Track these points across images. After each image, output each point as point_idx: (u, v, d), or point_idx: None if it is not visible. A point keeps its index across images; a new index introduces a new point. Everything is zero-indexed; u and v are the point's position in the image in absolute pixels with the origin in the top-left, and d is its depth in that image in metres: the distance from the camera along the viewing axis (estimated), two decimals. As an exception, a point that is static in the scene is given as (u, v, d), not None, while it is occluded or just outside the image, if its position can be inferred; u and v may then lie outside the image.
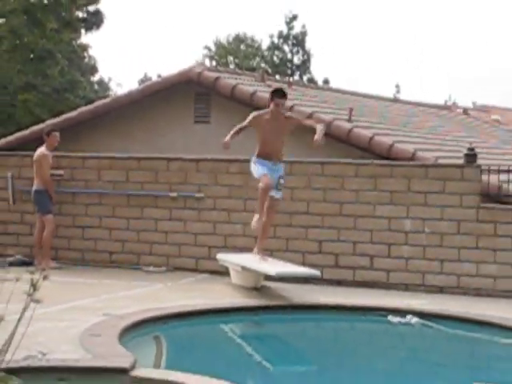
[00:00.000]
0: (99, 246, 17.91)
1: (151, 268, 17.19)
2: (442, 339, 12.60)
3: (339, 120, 19.34)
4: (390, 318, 12.73)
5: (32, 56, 34.05)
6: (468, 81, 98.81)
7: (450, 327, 12.54)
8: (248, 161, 15.93)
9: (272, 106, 13.87)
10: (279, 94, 14.15)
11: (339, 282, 15.62)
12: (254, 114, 14.11)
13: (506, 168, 16.63)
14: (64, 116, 22.84)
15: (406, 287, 15.44)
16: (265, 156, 13.90)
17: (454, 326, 12.57)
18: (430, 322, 12.58)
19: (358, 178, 16.07)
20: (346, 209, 16.11)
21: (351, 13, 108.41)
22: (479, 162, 16.15)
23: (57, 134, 17.64)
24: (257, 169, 13.96)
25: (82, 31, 37.44)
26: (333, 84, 40.91)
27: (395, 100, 33.48)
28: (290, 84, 25.46)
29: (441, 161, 17.59)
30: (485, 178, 15.78)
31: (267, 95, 19.02)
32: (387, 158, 17.56)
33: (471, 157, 15.73)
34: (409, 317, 12.70)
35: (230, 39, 58.56)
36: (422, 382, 10.45)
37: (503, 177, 16.43)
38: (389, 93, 41.27)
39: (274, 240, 16.11)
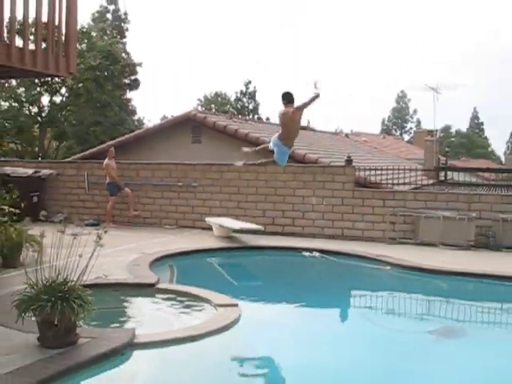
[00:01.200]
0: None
1: (167, 226, 17.84)
2: (333, 265, 12.90)
3: (263, 137, 19.76)
4: (304, 253, 13.55)
5: (98, 105, 34.14)
6: (348, 117, 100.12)
7: (337, 258, 13.28)
8: (222, 164, 17.56)
9: (289, 107, 11.10)
10: (290, 96, 11.24)
11: (275, 233, 16.53)
12: (284, 112, 11.23)
13: (368, 168, 18.06)
14: (117, 139, 23.10)
15: (314, 236, 16.42)
16: (288, 144, 11.57)
17: (339, 258, 13.32)
18: (326, 255, 13.35)
19: (285, 173, 17.11)
20: (279, 192, 17.16)
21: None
22: (354, 164, 17.33)
23: (112, 149, 18.10)
24: (277, 151, 11.59)
25: (128, 90, 38.00)
26: (272, 120, 41.46)
27: (307, 128, 34.38)
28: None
29: (332, 163, 18.54)
30: (357, 173, 17.17)
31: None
32: (302, 162, 18.53)
33: (349, 161, 17.04)
34: (314, 252, 13.58)
35: (212, 94, 60.28)
36: (323, 285, 11.10)
37: (367, 173, 17.91)
38: (304, 123, 42.36)
39: (237, 209, 17.36)
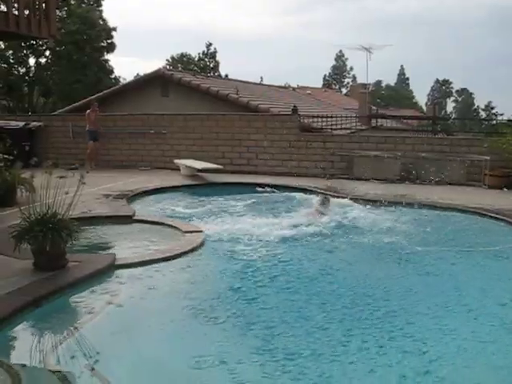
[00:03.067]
0: (117, 158, 18.33)
1: (142, 168, 17.79)
2: (279, 196, 12.76)
3: (232, 94, 19.97)
4: (258, 188, 13.50)
5: (79, 66, 33.10)
6: (295, 73, 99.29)
7: (282, 191, 13.31)
8: (187, 114, 17.51)
9: None
10: None
11: (233, 172, 16.56)
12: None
13: (312, 116, 18.32)
14: (97, 95, 22.33)
15: (265, 173, 16.54)
16: None
17: (283, 190, 13.39)
18: (275, 189, 13.34)
19: (241, 121, 17.22)
20: (236, 136, 17.24)
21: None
22: (300, 113, 17.43)
23: (95, 103, 18.03)
24: None
25: (105, 53, 36.79)
26: (230, 77, 40.40)
27: (261, 84, 34.04)
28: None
29: (281, 112, 18.60)
30: (302, 120, 17.30)
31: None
32: (255, 111, 18.60)
33: (295, 110, 17.11)
34: (267, 188, 13.51)
35: (179, 55, 59.01)
36: (267, 212, 10.72)
37: (311, 120, 18.06)
38: (257, 79, 41.83)
39: (201, 152, 17.30)
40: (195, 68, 51.07)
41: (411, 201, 11.76)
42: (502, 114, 59.57)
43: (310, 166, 16.57)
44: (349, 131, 19.72)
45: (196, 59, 59.11)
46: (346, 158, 16.16)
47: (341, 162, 16.27)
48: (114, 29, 36.30)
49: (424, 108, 71.22)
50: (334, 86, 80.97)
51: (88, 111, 17.64)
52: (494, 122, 23.07)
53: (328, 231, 9.26)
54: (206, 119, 17.54)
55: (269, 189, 13.35)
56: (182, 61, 58.51)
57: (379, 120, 26.65)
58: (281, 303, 6.05)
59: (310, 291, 6.49)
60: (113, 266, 6.90)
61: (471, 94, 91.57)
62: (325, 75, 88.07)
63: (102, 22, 35.85)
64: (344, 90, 78.90)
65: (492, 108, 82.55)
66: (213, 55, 59.15)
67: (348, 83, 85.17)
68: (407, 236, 9.00)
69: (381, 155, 15.67)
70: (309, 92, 37.02)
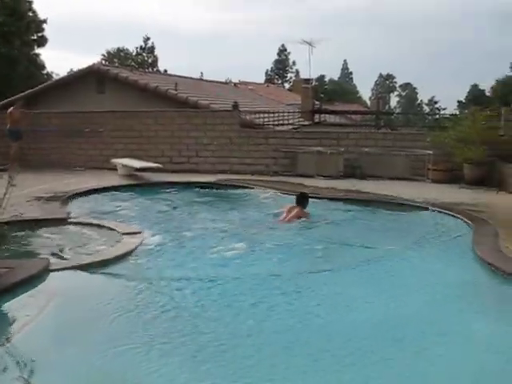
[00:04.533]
0: (49, 158, 17.86)
1: (77, 168, 17.40)
2: (217, 195, 12.96)
3: (171, 89, 19.99)
4: (197, 189, 13.82)
5: (7, 60, 32.01)
6: (237, 68, 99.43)
7: (223, 189, 13.72)
8: (124, 112, 17.43)
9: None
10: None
11: (173, 171, 16.43)
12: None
13: (253, 111, 18.54)
14: (27, 91, 21.79)
15: (207, 172, 16.45)
16: None
17: (225, 189, 13.77)
18: (214, 187, 13.87)
19: (181, 118, 17.27)
20: (175, 134, 17.27)
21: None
22: (241, 108, 17.67)
23: (19, 102, 17.50)
24: None
25: (35, 46, 35.76)
26: (170, 72, 39.81)
27: (201, 79, 33.92)
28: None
29: (221, 108, 18.70)
30: (243, 116, 17.58)
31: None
32: (195, 108, 18.61)
33: (235, 106, 17.26)
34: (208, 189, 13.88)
35: (115, 50, 57.97)
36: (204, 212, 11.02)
37: (252, 116, 18.32)
38: (197, 75, 41.59)
39: (139, 151, 17.18)
40: (133, 63, 50.46)
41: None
42: (444, 109, 61.30)
43: (253, 163, 16.69)
44: (292, 127, 19.90)
45: (134, 54, 58.44)
46: (290, 155, 16.34)
47: (284, 159, 16.43)
48: (45, 21, 35.43)
49: (368, 102, 72.61)
50: (276, 81, 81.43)
51: (10, 109, 16.98)
52: (437, 116, 23.72)
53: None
54: (145, 116, 17.50)
55: (209, 188, 13.59)
56: (118, 56, 57.72)
57: (322, 115, 27.01)
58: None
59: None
60: (47, 272, 6.79)
61: (415, 88, 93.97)
62: (267, 70, 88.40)
63: (31, 14, 34.93)
64: (287, 85, 79.45)
65: (435, 102, 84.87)
66: (151, 50, 58.64)
67: (291, 78, 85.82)
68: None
69: (324, 151, 15.90)
70: (251, 87, 37.23)
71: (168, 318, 5.69)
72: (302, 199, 10.70)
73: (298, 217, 10.20)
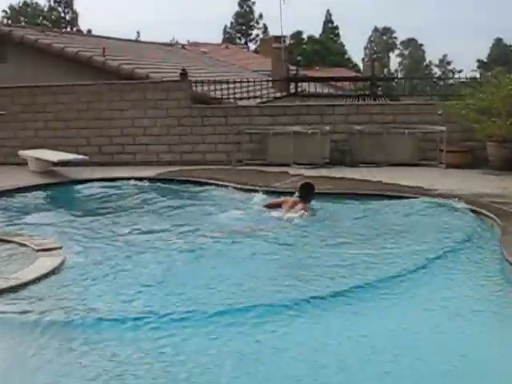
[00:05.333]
0: None
1: None
2: (162, 195, 13.10)
3: (96, 55, 19.91)
4: (133, 181, 14.03)
5: None
6: (183, 24, 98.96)
7: (169, 187, 13.79)
8: (35, 87, 17.36)
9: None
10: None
11: (103, 164, 16.50)
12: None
13: (208, 81, 18.25)
14: None
15: (148, 164, 16.55)
16: None
17: (166, 183, 13.98)
18: (157, 182, 14.03)
19: (111, 92, 17.24)
20: (104, 114, 17.22)
21: None
22: (191, 78, 17.74)
23: None
24: None
25: None
26: (95, 33, 39.79)
27: (137, 41, 33.83)
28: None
29: (165, 79, 18.64)
30: (195, 88, 17.48)
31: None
32: (130, 79, 18.57)
33: (184, 76, 17.31)
34: (144, 181, 14.01)
35: (21, 4, 57.11)
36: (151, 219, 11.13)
37: (207, 87, 18.10)
38: (132, 36, 41.28)
39: (56, 139, 17.09)
40: (44, 22, 50.07)
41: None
42: (460, 71, 61.88)
43: (208, 149, 16.78)
44: (260, 101, 19.91)
45: (45, 9, 57.87)
46: (258, 138, 16.43)
47: (250, 143, 16.53)
48: None
49: (360, 66, 73.07)
50: (238, 41, 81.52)
51: None
52: (451, 81, 23.81)
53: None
54: (62, 92, 17.41)
55: (146, 184, 13.81)
56: (25, 12, 57.10)
57: (300, 84, 27.02)
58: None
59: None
60: None
61: (421, 45, 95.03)
62: (225, 26, 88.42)
63: None
64: (252, 46, 79.60)
65: (448, 63, 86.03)
66: (69, 4, 58.11)
67: (257, 36, 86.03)
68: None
69: (303, 131, 15.96)
70: (204, 50, 37.48)
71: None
72: (308, 191, 11.05)
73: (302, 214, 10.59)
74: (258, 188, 12.86)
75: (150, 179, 14.31)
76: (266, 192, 12.54)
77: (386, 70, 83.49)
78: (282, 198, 11.23)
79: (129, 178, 14.36)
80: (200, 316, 6.39)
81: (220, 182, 13.66)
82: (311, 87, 24.67)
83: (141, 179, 14.27)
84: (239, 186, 13.18)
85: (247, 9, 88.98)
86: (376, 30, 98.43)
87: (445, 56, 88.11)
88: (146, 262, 8.50)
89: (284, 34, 34.14)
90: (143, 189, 13.65)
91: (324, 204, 11.56)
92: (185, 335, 6.13)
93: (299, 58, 62.68)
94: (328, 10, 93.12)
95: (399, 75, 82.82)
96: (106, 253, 8.95)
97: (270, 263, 8.50)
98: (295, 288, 7.36)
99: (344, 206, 11.65)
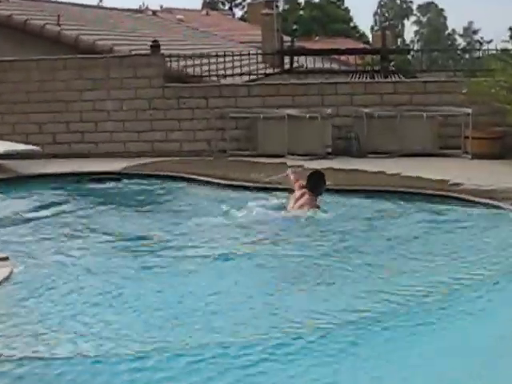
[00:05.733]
0: None
1: None
2: (122, 187, 13.63)
3: (49, 24, 19.77)
4: (96, 184, 13.93)
5: None
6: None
7: (130, 179, 14.04)
8: None
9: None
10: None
11: (57, 156, 16.42)
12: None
13: (185, 56, 18.31)
14: None
15: (112, 155, 16.49)
16: None
17: (134, 179, 14.08)
18: (124, 178, 14.03)
19: (67, 70, 17.16)
20: (59, 96, 17.14)
21: None
22: (164, 51, 17.66)
23: None
24: None
25: None
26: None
27: (99, 7, 33.74)
28: None
29: (134, 52, 18.65)
30: (169, 64, 17.49)
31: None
32: (90, 52, 18.43)
33: (155, 48, 17.25)
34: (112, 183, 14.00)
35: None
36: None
37: (184, 63, 18.17)
38: (94, 1, 41.05)
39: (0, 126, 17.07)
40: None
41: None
42: (489, 42, 61.93)
43: (186, 137, 16.80)
44: (247, 78, 19.84)
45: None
46: (245, 123, 16.49)
47: (236, 130, 16.58)
48: None
49: (369, 36, 73.09)
50: (221, 6, 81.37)
51: None
52: (479, 53, 23.76)
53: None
54: (7, 69, 17.37)
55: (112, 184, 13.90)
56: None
57: (297, 58, 26.99)
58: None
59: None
60: None
61: (441, 11, 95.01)
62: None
63: None
64: (239, 12, 79.50)
65: (475, 32, 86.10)
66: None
67: (244, 0, 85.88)
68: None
69: (300, 115, 15.93)
70: (180, 18, 37.44)
71: None
72: (317, 182, 11.20)
73: (307, 206, 10.88)
74: (250, 184, 12.94)
75: (114, 174, 14.35)
76: (257, 189, 12.65)
77: (399, 40, 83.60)
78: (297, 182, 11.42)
79: (88, 173, 14.38)
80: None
81: (202, 178, 13.71)
82: (309, 62, 24.66)
83: (104, 174, 14.30)
84: (227, 183, 13.25)
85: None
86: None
87: (470, 23, 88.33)
88: (102, 280, 8.45)
89: (277, -3, 34.20)
90: (106, 186, 13.71)
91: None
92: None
93: (295, 26, 62.68)
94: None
95: (416, 47, 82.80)
96: (55, 268, 8.89)
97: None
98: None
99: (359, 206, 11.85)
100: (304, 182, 11.24)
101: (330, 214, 10.99)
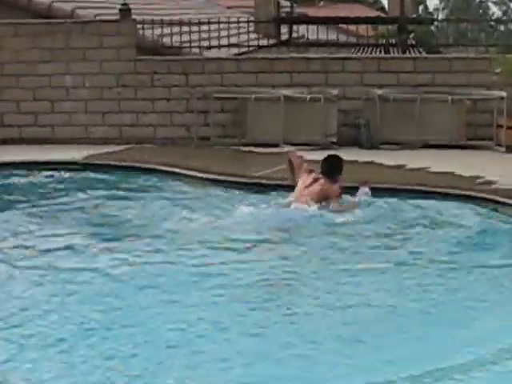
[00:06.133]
0: None
1: None
2: (82, 181, 13.56)
3: None
4: (52, 176, 13.86)
5: None
6: None
7: (93, 172, 14.01)
8: None
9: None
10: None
11: (4, 142, 16.48)
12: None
13: (161, 22, 18.35)
14: None
15: (72, 141, 16.51)
16: None
17: (98, 172, 14.00)
18: (85, 169, 14.08)
19: (18, 37, 17.16)
20: (7, 70, 17.16)
21: None
22: (136, 16, 17.58)
23: None
24: None
25: None
26: None
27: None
28: None
29: (99, 17, 18.55)
30: (141, 32, 17.50)
31: None
32: (46, 17, 18.30)
33: (125, 12, 17.14)
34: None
35: None
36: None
37: (159, 31, 18.15)
38: None
39: None
40: None
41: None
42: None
43: (160, 121, 16.83)
44: (237, 51, 19.85)
45: None
46: (233, 105, 16.57)
47: (221, 113, 16.66)
48: None
49: (384, 2, 73.08)
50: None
51: None
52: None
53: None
54: None
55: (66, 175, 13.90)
56: None
57: (296, 28, 27.01)
58: None
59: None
60: None
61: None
62: None
63: None
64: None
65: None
66: None
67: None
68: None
69: (299, 96, 15.94)
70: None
71: None
72: (334, 166, 11.40)
73: (322, 196, 10.90)
74: (242, 180, 13.00)
75: (72, 164, 14.35)
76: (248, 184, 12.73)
77: (420, 8, 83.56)
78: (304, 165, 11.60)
79: (42, 163, 14.35)
80: None
81: (182, 171, 13.73)
82: (312, 32, 24.62)
83: (60, 164, 14.28)
84: (211, 177, 13.24)
85: None
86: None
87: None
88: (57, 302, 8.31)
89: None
90: (62, 179, 13.71)
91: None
92: None
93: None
94: None
95: (440, 16, 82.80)
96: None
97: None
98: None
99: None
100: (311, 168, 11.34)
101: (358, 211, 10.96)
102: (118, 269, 9.10)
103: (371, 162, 14.05)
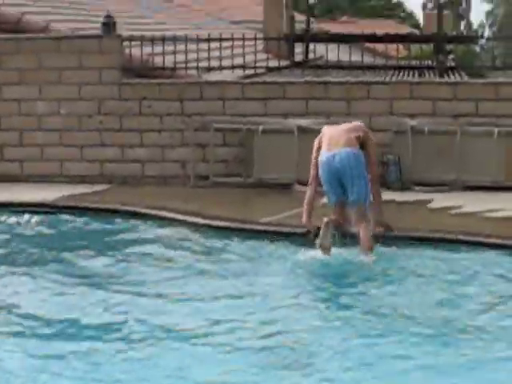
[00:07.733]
0: None
1: None
2: (55, 227, 13.66)
3: None
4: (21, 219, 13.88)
5: None
6: None
7: (68, 215, 14.11)
8: None
9: None
10: None
11: (-35, 179, 16.51)
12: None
13: (153, 39, 18.09)
14: None
15: (47, 179, 16.67)
16: None
17: (74, 215, 14.09)
18: (58, 212, 14.19)
19: None
20: None
21: None
22: (123, 32, 17.80)
23: None
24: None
25: None
26: None
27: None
28: None
29: (79, 33, 18.84)
30: (128, 50, 17.41)
31: None
32: (16, 32, 18.48)
33: (109, 26, 17.17)
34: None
35: None
36: None
37: (150, 49, 17.95)
38: None
39: None
40: None
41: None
42: None
43: (150, 156, 16.93)
44: (242, 73, 19.94)
45: None
46: (237, 137, 16.65)
47: (224, 147, 16.73)
48: None
49: (420, 18, 73.40)
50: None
51: None
52: None
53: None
54: None
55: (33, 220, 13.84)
56: None
57: (313, 47, 27.13)
58: None
59: None
60: None
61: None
62: None
63: None
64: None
65: None
66: None
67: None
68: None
69: (316, 127, 15.93)
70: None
71: None
72: None
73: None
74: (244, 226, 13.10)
75: (43, 206, 14.46)
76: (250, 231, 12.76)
77: (463, 24, 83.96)
78: None
79: (7, 205, 14.54)
80: None
81: (176, 216, 13.81)
82: (331, 52, 24.73)
83: (27, 206, 14.39)
84: (214, 224, 13.29)
85: None
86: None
87: None
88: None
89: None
90: (32, 224, 13.74)
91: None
92: None
93: (313, 0, 62.96)
94: None
95: (486, 34, 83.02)
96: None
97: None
98: None
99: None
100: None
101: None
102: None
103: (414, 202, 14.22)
